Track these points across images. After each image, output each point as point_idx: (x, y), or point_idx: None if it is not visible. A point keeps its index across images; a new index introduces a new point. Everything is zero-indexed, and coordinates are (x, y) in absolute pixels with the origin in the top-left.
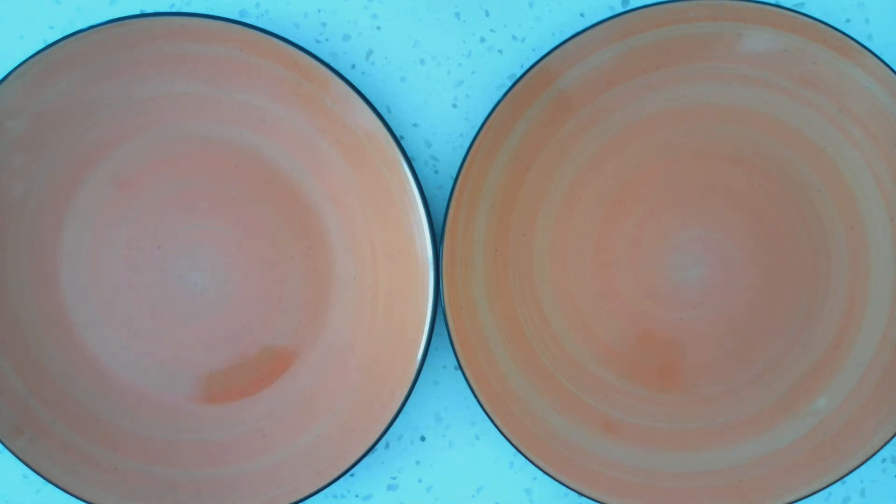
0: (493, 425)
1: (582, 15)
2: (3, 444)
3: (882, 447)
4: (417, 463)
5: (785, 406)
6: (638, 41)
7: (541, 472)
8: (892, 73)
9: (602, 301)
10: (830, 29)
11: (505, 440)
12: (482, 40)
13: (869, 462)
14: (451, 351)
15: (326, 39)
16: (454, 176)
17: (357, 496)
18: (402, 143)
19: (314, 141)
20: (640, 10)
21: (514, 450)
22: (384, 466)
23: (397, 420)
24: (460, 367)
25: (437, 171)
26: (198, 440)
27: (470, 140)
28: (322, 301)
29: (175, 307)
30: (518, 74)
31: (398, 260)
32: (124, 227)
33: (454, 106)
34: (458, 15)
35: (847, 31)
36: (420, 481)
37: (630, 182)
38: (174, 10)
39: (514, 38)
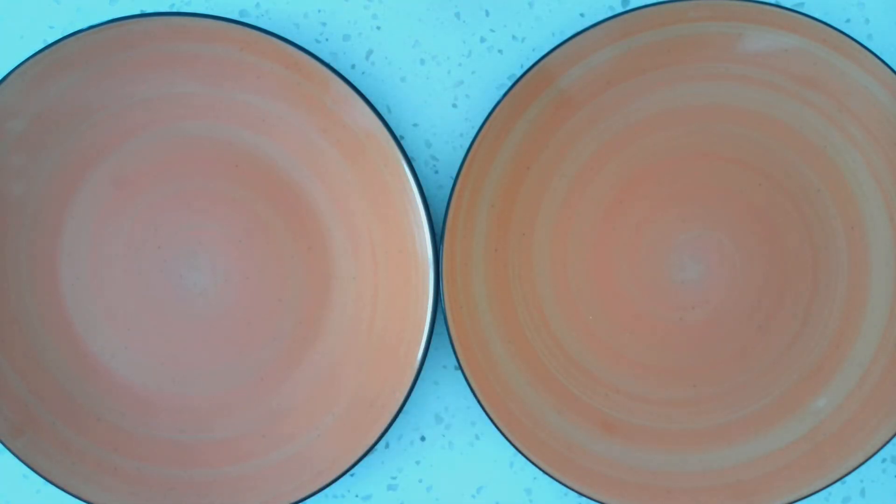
0: (493, 425)
1: (582, 15)
2: (3, 444)
3: (882, 447)
4: (417, 463)
5: (785, 406)
6: (638, 41)
7: (541, 472)
8: (892, 73)
9: (602, 301)
10: (830, 29)
11: (505, 440)
12: (482, 40)
13: (869, 462)
14: (451, 351)
15: (326, 39)
16: (454, 176)
17: (357, 496)
18: (402, 142)
19: (314, 141)
20: (640, 10)
21: (514, 450)
22: (384, 466)
23: (397, 420)
24: (460, 367)
25: (437, 171)
26: (198, 440)
27: (470, 140)
28: (322, 301)
29: (175, 307)
30: (518, 74)
31: (398, 260)
32: (124, 227)
33: (454, 106)
34: (458, 15)
35: (847, 31)
36: (420, 481)
37: (630, 182)
38: (174, 10)
39: (514, 38)
